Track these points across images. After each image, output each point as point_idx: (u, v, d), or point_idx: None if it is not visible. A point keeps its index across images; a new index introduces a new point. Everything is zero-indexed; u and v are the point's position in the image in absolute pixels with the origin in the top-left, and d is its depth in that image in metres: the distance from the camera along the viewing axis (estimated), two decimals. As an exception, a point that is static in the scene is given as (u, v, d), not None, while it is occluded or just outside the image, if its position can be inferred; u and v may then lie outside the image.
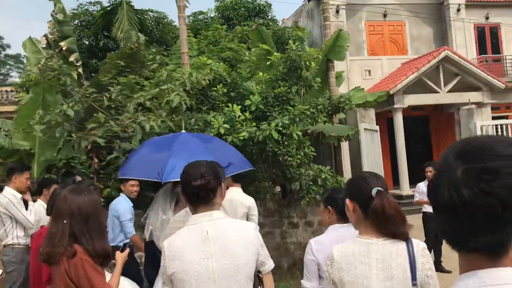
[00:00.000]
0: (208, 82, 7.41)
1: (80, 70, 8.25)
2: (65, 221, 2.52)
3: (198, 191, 2.15)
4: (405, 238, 1.94)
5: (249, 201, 4.86)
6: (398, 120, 14.03)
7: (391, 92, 13.77)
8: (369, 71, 16.54)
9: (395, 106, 14.03)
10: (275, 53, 7.96)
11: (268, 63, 8.09)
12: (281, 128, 6.66)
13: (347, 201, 2.07)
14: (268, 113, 7.21)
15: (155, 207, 4.39)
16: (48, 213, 3.62)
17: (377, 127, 9.57)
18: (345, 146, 10.12)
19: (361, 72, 16.46)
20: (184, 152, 4.36)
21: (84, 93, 6.73)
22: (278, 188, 8.95)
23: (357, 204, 2.03)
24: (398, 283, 1.93)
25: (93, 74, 9.14)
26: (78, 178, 5.68)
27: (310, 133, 8.06)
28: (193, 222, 2.17)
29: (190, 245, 2.10)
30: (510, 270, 0.85)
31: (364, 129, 8.48)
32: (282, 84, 7.59)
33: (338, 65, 14.89)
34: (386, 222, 1.94)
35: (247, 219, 4.77)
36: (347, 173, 9.19)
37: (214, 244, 2.10)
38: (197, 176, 2.16)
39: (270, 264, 2.22)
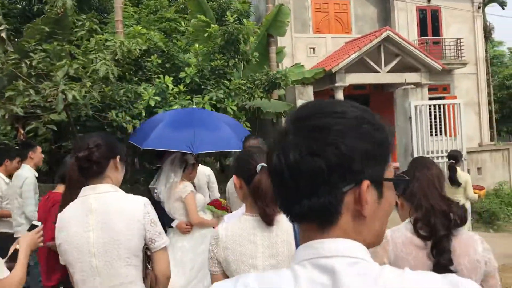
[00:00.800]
0: (141, 52, 7.12)
1: (3, 34, 7.69)
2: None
3: (82, 163, 2.07)
4: (268, 220, 1.90)
5: (208, 170, 5.40)
6: (339, 98, 14.19)
7: (333, 71, 13.90)
8: (314, 48, 16.58)
9: (337, 84, 14.19)
10: (213, 25, 7.74)
11: (205, 35, 7.87)
12: (215, 102, 6.51)
13: (234, 177, 2.03)
14: (203, 87, 7.03)
15: (163, 173, 4.64)
16: (58, 181, 3.82)
17: (315, 104, 9.62)
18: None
19: (305, 49, 16.46)
20: (207, 125, 5.09)
21: (6, 59, 6.28)
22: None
23: (243, 180, 1.97)
24: (284, 260, 1.91)
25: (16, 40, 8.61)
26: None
27: (248, 109, 7.97)
28: (81, 194, 2.13)
29: (75, 217, 2.09)
30: (342, 241, 0.79)
31: (302, 105, 8.51)
32: (219, 57, 7.40)
33: (283, 41, 14.85)
34: (258, 199, 1.90)
35: (208, 188, 5.29)
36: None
37: (96, 217, 2.06)
38: (82, 148, 2.07)
39: (161, 242, 2.11)
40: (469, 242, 2.06)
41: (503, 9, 24.14)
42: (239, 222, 1.97)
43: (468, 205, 6.93)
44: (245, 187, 1.96)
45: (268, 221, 1.90)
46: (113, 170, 2.14)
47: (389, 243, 2.15)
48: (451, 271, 1.94)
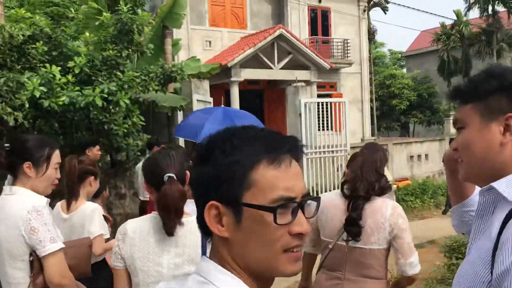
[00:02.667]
0: (25, 38, 6.61)
1: None
2: None
3: None
4: (168, 231, 1.94)
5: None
6: (234, 93, 14.44)
7: (228, 65, 14.06)
8: (210, 42, 16.60)
9: (232, 79, 14.39)
10: (105, 13, 7.41)
11: (97, 23, 7.51)
12: (106, 95, 6.26)
13: (143, 183, 2.11)
14: (94, 78, 6.72)
15: None
16: None
17: (211, 99, 9.68)
18: (181, 116, 10.05)
19: (202, 42, 16.43)
20: (219, 119, 6.50)
21: None
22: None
23: (153, 187, 1.98)
24: (188, 261, 1.96)
25: None
26: None
27: (142, 102, 7.78)
28: None
29: None
30: (209, 261, 0.89)
31: (197, 100, 8.50)
32: (111, 47, 7.11)
33: (179, 33, 14.67)
34: (160, 210, 1.94)
35: None
36: (182, 143, 9.16)
37: None
38: None
39: (43, 250, 2.05)
40: (380, 206, 2.50)
41: (385, 13, 26.13)
42: (148, 220, 1.99)
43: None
44: (155, 192, 1.95)
45: (168, 231, 1.92)
46: (24, 175, 2.14)
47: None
48: (359, 226, 2.44)
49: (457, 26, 27.43)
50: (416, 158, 14.59)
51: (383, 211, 2.47)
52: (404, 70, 37.27)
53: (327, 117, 11.34)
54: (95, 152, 5.42)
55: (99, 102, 6.07)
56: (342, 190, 2.59)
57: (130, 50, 7.33)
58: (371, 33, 24.81)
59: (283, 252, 0.83)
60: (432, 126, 27.08)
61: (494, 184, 1.16)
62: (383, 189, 2.52)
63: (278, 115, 16.49)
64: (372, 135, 21.48)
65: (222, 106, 8.05)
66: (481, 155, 1.21)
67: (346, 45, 19.09)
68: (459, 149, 1.28)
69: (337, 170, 11.68)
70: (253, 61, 14.74)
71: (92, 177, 3.42)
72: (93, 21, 7.79)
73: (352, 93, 19.67)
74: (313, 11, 19.19)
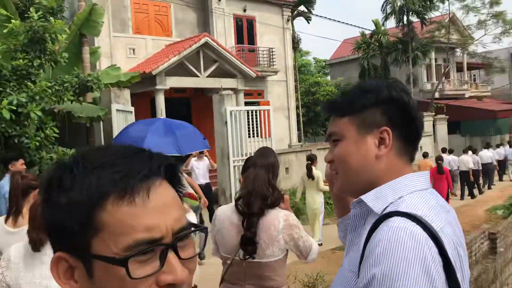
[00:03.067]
0: None
1: None
2: None
3: None
4: (33, 246, 1.92)
5: None
6: (160, 101, 14.20)
7: (153, 73, 13.81)
8: (134, 49, 16.23)
9: (157, 87, 14.14)
10: (14, 21, 7.01)
11: (5, 31, 7.08)
12: (15, 107, 5.91)
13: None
14: (1, 89, 6.32)
15: None
16: None
17: (132, 108, 9.42)
18: (102, 127, 9.70)
19: (125, 50, 16.02)
20: (182, 130, 6.59)
21: None
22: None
23: None
24: None
25: None
26: None
27: (57, 113, 7.43)
28: None
29: None
30: None
31: (117, 110, 8.23)
32: (22, 56, 6.74)
33: (100, 41, 14.23)
34: (28, 223, 1.92)
35: None
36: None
37: None
38: None
39: None
40: (272, 220, 2.54)
41: (308, 23, 26.87)
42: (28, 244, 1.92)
43: (321, 195, 9.36)
44: None
45: (33, 246, 1.86)
46: None
47: (214, 217, 2.69)
48: (254, 243, 2.47)
49: (375, 35, 28.80)
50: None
51: (276, 224, 2.52)
52: (329, 78, 38.55)
53: (255, 124, 11.46)
54: (18, 166, 5.27)
55: (6, 115, 5.72)
56: (236, 206, 2.59)
57: (43, 59, 6.98)
58: (296, 42, 25.41)
59: None
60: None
61: (363, 197, 1.18)
62: (276, 202, 2.56)
63: (206, 123, 16.40)
64: (299, 141, 21.96)
65: (163, 117, 7.96)
66: (357, 167, 1.23)
67: (271, 53, 19.41)
68: (335, 161, 1.28)
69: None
70: (179, 69, 14.58)
71: (36, 191, 3.46)
72: (1, 28, 7.35)
73: (279, 101, 20.02)
74: (238, 20, 19.35)
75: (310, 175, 9.16)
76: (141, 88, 14.36)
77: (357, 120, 1.24)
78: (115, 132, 7.78)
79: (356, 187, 1.24)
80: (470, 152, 17.26)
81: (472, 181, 16.23)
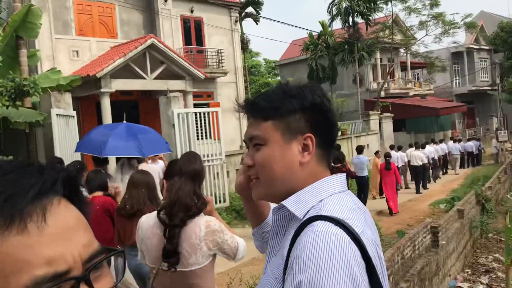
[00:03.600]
0: None
1: None
2: (143, 190, 4.30)
3: None
4: None
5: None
6: (106, 104, 13.83)
7: (98, 76, 13.44)
8: (77, 52, 15.74)
9: (102, 90, 13.77)
10: None
11: None
12: None
13: None
14: None
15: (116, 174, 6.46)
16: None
17: (74, 113, 9.10)
18: (43, 132, 9.32)
19: (68, 52, 15.50)
20: (122, 135, 7.08)
21: None
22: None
23: None
24: None
25: None
26: None
27: (-8, 118, 7.08)
28: None
29: None
30: None
31: (57, 114, 7.93)
32: (-50, 59, 6.38)
33: (42, 43, 13.72)
34: None
35: None
36: (43, 161, 8.52)
37: None
38: None
39: None
40: (193, 228, 2.50)
41: (257, 24, 27.03)
42: None
43: None
44: None
45: None
46: None
47: (139, 227, 2.67)
48: (177, 255, 2.44)
49: (323, 36, 29.33)
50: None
51: (197, 232, 2.49)
52: (279, 78, 38.91)
53: (206, 126, 11.38)
54: None
55: None
56: (158, 216, 2.54)
57: (-26, 62, 6.63)
58: (245, 43, 25.51)
59: None
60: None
61: (284, 202, 1.17)
62: (198, 211, 2.54)
63: (155, 126, 16.09)
64: (250, 142, 22.01)
65: (125, 122, 8.18)
66: (281, 173, 1.20)
67: (220, 55, 19.36)
68: (256, 166, 1.24)
69: (214, 179, 11.75)
70: (125, 71, 14.26)
71: None
72: None
73: (229, 102, 19.96)
74: (186, 21, 19.17)
75: None
76: (86, 91, 13.94)
77: (282, 125, 1.21)
78: (56, 138, 7.51)
79: (278, 193, 1.22)
80: (420, 148, 18.24)
81: (425, 175, 17.29)
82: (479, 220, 11.93)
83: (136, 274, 4.45)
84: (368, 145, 19.67)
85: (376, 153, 15.47)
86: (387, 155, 13.93)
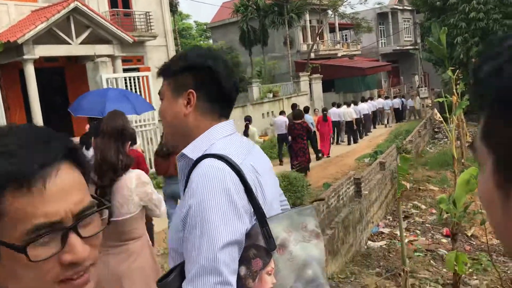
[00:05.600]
0: None
1: None
2: None
3: None
4: None
5: None
6: (30, 72, 13.30)
7: (19, 42, 12.84)
8: (-5, 16, 14.85)
9: (25, 57, 13.19)
10: None
11: None
12: None
13: None
14: None
15: None
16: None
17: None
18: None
19: (-16, 17, 14.59)
20: (117, 98, 7.93)
21: None
22: None
23: None
24: None
25: None
26: None
27: None
28: None
29: None
30: None
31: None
32: None
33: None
34: None
35: None
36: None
37: None
38: None
39: None
40: (125, 181, 2.68)
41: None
42: None
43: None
44: None
45: None
46: None
47: None
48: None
49: (253, -3, 29.28)
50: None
51: (128, 185, 2.69)
52: (211, 41, 38.54)
53: (137, 91, 11.31)
54: None
55: None
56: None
57: None
58: (174, 5, 24.98)
59: (59, 283, 0.73)
60: (239, 93, 28.74)
61: (183, 151, 1.46)
62: (126, 168, 2.70)
63: (83, 92, 15.71)
64: (184, 106, 21.95)
65: (110, 87, 9.33)
66: (171, 122, 1.50)
67: (148, 17, 18.94)
68: (161, 116, 1.55)
69: (148, 144, 11.82)
70: (48, 37, 13.69)
71: None
72: None
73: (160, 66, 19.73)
74: (111, -18, 18.48)
75: (246, 133, 11.65)
76: (7, 59, 13.34)
77: (172, 83, 1.49)
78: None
79: (176, 137, 1.53)
80: (352, 105, 20.03)
81: (355, 129, 19.07)
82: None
83: (171, 196, 6.35)
84: (298, 105, 20.31)
85: (314, 110, 17.81)
86: (325, 110, 16.50)
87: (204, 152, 1.41)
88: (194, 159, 1.40)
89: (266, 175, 1.50)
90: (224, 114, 1.54)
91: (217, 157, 1.36)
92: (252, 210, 1.35)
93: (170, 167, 6.37)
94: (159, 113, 1.56)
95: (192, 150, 1.44)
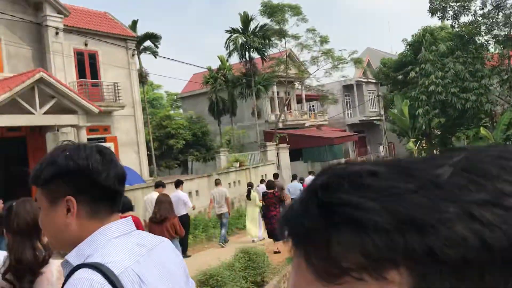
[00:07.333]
0: None
1: None
2: (167, 205, 7.82)
3: None
4: None
5: None
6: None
7: (-20, 112, 12.69)
8: (-43, 85, 14.71)
9: (-15, 126, 13.00)
10: None
11: None
12: None
13: None
14: None
15: None
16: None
17: None
18: None
19: None
20: None
21: None
22: None
23: None
24: None
25: None
26: None
27: None
28: None
29: None
30: None
31: None
32: None
33: None
34: None
35: None
36: None
37: None
38: None
39: None
40: (45, 276, 2.39)
41: (155, 57, 27.10)
42: None
43: (258, 208, 12.83)
44: None
45: None
46: None
47: None
48: None
49: (222, 70, 30.15)
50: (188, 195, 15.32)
51: (49, 277, 2.42)
52: (181, 111, 39.02)
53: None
54: None
55: None
56: (4, 279, 2.37)
57: None
58: (143, 76, 25.42)
59: None
60: (208, 162, 28.84)
61: (67, 257, 1.34)
62: (44, 263, 2.42)
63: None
64: (151, 175, 21.76)
65: None
66: (53, 235, 1.39)
67: (116, 88, 19.12)
68: (41, 226, 1.42)
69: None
70: (11, 107, 13.56)
71: None
72: None
73: (128, 136, 19.71)
74: (80, 54, 18.77)
75: (248, 196, 13.16)
76: (-34, 128, 13.08)
77: (46, 191, 1.37)
78: None
79: (62, 248, 1.41)
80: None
81: None
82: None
83: None
84: (266, 175, 20.35)
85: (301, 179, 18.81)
86: (301, 179, 18.56)
87: (86, 258, 1.30)
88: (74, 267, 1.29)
89: (164, 281, 1.37)
90: (116, 208, 1.43)
91: (92, 268, 1.23)
92: None
93: (163, 233, 6.91)
94: (41, 223, 1.41)
95: (76, 256, 1.32)
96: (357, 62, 31.80)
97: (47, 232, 1.41)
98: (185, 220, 10.93)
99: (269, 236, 12.44)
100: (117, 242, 1.35)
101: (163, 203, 7.85)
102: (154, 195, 9.79)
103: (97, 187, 1.36)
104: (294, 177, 18.06)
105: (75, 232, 1.35)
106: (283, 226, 0.43)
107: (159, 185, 10.62)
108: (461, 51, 27.85)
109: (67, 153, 1.37)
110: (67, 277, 1.26)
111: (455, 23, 28.50)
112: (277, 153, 24.55)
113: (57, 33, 17.23)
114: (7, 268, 2.37)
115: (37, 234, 2.43)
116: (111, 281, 1.22)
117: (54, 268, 2.47)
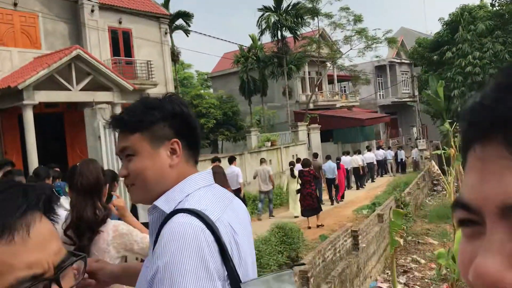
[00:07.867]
0: None
1: None
2: None
3: None
4: None
5: None
6: (29, 117, 13.33)
7: (20, 87, 12.96)
8: (-3, 62, 15.09)
9: (25, 102, 13.27)
10: None
11: None
12: None
13: None
14: None
15: None
16: None
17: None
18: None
19: (-14, 63, 14.83)
20: None
21: None
22: None
23: None
24: None
25: None
26: None
27: None
28: None
29: None
30: None
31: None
32: None
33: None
34: None
35: None
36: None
37: None
38: None
39: None
40: (101, 234, 2.51)
41: (188, 36, 27.14)
42: None
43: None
44: None
45: None
46: None
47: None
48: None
49: (253, 49, 29.93)
50: (221, 173, 15.50)
51: (105, 237, 2.53)
52: (211, 90, 39.10)
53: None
54: None
55: None
56: (65, 233, 2.49)
57: None
58: (175, 55, 25.48)
59: None
60: (238, 142, 28.93)
61: (156, 202, 1.33)
62: (103, 221, 2.52)
63: (81, 138, 15.74)
64: (182, 153, 21.95)
65: None
66: (155, 178, 1.36)
67: (149, 66, 19.25)
68: (131, 175, 1.39)
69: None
70: (49, 83, 13.83)
71: None
72: None
73: (159, 114, 19.87)
74: (114, 32, 18.91)
75: (292, 174, 13.73)
76: (7, 103, 13.42)
77: (148, 135, 1.37)
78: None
79: (154, 196, 1.37)
80: (359, 154, 22.56)
81: (362, 175, 21.67)
82: (398, 224, 12.66)
83: None
84: (297, 154, 20.28)
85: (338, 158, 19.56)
86: (338, 158, 19.25)
87: (178, 204, 1.30)
88: (168, 213, 1.28)
89: (244, 233, 1.37)
90: (197, 161, 1.48)
91: (190, 213, 1.23)
92: (226, 273, 1.22)
93: None
94: (128, 174, 1.40)
95: (165, 202, 1.32)
96: (391, 41, 31.07)
97: (143, 178, 1.37)
98: (237, 195, 11.57)
99: (302, 213, 12.82)
100: (202, 191, 1.36)
101: (217, 174, 8.30)
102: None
103: (192, 133, 1.43)
104: (328, 157, 18.53)
105: (173, 176, 1.37)
106: (478, 113, 0.43)
107: (216, 159, 11.88)
108: (501, 30, 26.88)
109: (169, 98, 1.43)
110: (163, 223, 1.25)
111: (495, 1, 27.47)
112: (308, 134, 24.40)
113: (92, 11, 17.38)
114: (69, 225, 2.48)
115: (98, 194, 2.56)
116: (210, 227, 1.22)
117: (110, 228, 2.56)
